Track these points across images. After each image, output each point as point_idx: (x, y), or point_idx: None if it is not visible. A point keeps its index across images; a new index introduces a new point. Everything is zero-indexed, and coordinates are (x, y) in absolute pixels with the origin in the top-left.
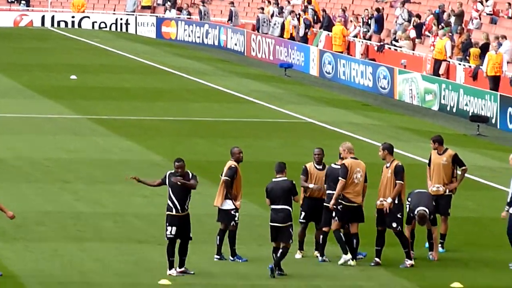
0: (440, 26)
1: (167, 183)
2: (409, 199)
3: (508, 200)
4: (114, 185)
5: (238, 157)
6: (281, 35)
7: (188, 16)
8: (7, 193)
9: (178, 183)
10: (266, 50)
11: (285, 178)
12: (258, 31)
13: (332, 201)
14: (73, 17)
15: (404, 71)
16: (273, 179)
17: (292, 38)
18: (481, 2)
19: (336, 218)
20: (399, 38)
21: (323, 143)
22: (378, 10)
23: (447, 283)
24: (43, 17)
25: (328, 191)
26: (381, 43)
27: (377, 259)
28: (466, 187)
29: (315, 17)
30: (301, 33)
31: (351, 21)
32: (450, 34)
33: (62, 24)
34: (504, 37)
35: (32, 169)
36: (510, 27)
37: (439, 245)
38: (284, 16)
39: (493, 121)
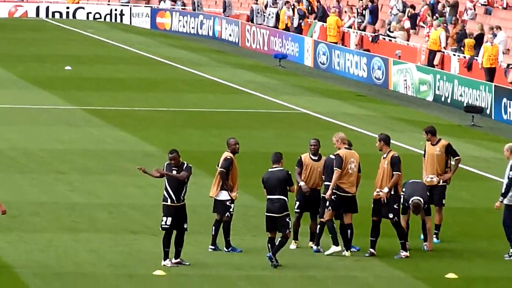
0: (434, 17)
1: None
2: (404, 189)
3: (503, 190)
4: (109, 175)
5: (234, 148)
6: (275, 26)
7: (183, 7)
8: (1, 184)
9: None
10: (260, 40)
11: (281, 168)
12: (252, 22)
13: (329, 192)
14: (67, 8)
15: (399, 62)
16: (269, 169)
17: (287, 28)
18: None
19: (330, 208)
20: (393, 28)
21: (317, 134)
22: (372, 0)
23: (442, 274)
24: (37, 8)
25: (326, 182)
26: (376, 33)
27: (371, 250)
28: (460, 177)
29: (309, 8)
30: (295, 23)
31: (345, 11)
32: (444, 24)
33: (57, 15)
34: (499, 27)
35: (26, 160)
36: (504, 18)
37: (434, 235)
38: (278, 7)
39: (488, 111)
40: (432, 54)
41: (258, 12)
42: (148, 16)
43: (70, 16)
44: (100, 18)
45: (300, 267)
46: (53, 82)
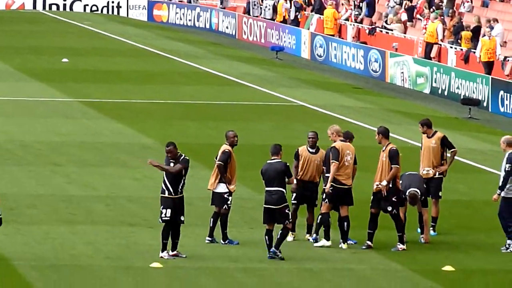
0: (431, 9)
1: None
2: (401, 182)
3: (500, 183)
4: (106, 168)
5: (233, 141)
6: (272, 18)
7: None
8: None
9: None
10: (257, 33)
11: (279, 160)
12: (248, 14)
13: (328, 184)
14: (64, 0)
15: (396, 54)
16: (268, 161)
17: (284, 21)
18: None
19: (327, 200)
20: (390, 21)
21: (314, 126)
22: None
23: (439, 266)
24: (34, 0)
25: (327, 174)
26: (373, 26)
27: (368, 242)
28: (457, 170)
29: (306, 0)
30: (292, 16)
31: (342, 4)
32: (441, 17)
33: (54, 7)
34: (496, 20)
35: (23, 152)
36: (501, 10)
37: (431, 228)
38: None
39: (485, 104)
40: (429, 46)
41: (254, 5)
42: (145, 9)
43: (67, 8)
44: (97, 10)
45: (297, 260)
46: (50, 74)
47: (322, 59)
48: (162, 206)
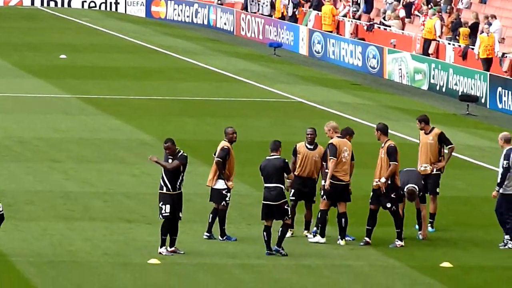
0: (429, 6)
1: None
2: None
3: (499, 180)
4: (104, 164)
5: (232, 137)
6: (270, 14)
7: None
8: None
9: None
10: (255, 29)
11: (278, 156)
12: (246, 10)
13: (327, 182)
14: None
15: (394, 51)
16: (267, 157)
17: (282, 17)
18: None
19: (325, 197)
20: (388, 17)
21: (312, 123)
22: None
23: (437, 263)
24: None
25: (327, 170)
26: (371, 22)
27: (366, 239)
28: (455, 166)
29: None
30: (290, 12)
31: (340, 0)
32: (439, 13)
33: (52, 4)
34: (494, 16)
35: (21, 148)
36: (499, 7)
37: (429, 224)
38: None
39: (483, 100)
40: (427, 43)
41: (252, 1)
42: (143, 5)
43: (65, 5)
44: (95, 6)
45: (295, 256)
46: (48, 70)
47: (320, 55)
48: (161, 203)
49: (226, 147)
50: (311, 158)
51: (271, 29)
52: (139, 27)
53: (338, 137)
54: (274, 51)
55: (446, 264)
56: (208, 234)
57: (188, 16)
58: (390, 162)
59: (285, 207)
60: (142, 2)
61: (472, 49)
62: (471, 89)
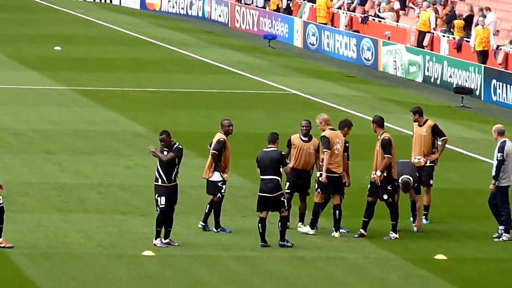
0: None
1: None
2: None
3: (494, 173)
4: (98, 156)
5: (228, 129)
6: (264, 6)
7: None
8: None
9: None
10: (250, 21)
11: (275, 148)
12: (240, 2)
13: (323, 174)
14: None
15: (388, 43)
16: (264, 149)
17: (277, 9)
18: None
19: (319, 190)
20: (383, 9)
21: (307, 115)
22: None
23: (431, 255)
24: None
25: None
26: (365, 14)
27: (362, 231)
28: (449, 158)
29: None
30: (284, 4)
31: None
32: (434, 5)
33: None
34: (488, 9)
35: (16, 140)
36: None
37: (423, 217)
38: None
39: (477, 93)
40: (421, 35)
41: None
42: None
43: None
44: None
45: (289, 248)
46: (42, 62)
47: (315, 47)
48: (157, 194)
49: (222, 139)
50: (306, 150)
51: (265, 21)
52: (133, 19)
53: (330, 129)
54: (268, 43)
55: (440, 256)
56: (203, 224)
57: (182, 8)
58: (384, 155)
59: (282, 199)
60: None
61: (467, 41)
62: (466, 81)
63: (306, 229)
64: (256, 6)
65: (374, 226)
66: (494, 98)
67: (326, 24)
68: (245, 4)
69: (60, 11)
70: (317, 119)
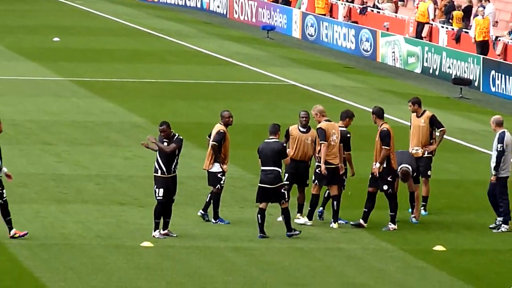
0: None
1: None
2: None
3: (494, 164)
4: (96, 146)
5: (228, 121)
6: None
7: None
8: None
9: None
10: (248, 12)
11: (277, 140)
12: None
13: (322, 166)
14: None
15: (387, 34)
16: (265, 140)
17: (276, 0)
18: None
19: (316, 181)
20: (381, 0)
21: (305, 105)
22: None
23: (430, 246)
24: None
25: (318, 154)
26: (364, 5)
27: (361, 221)
28: (448, 149)
29: None
30: None
31: None
32: None
33: None
34: (487, 0)
35: (14, 131)
36: None
37: (422, 208)
38: None
39: (476, 84)
40: (420, 26)
41: None
42: None
43: None
44: None
45: (287, 239)
46: (41, 53)
47: (313, 38)
48: (156, 186)
49: (222, 130)
50: (304, 141)
51: (264, 12)
52: (132, 10)
53: (326, 120)
54: (267, 34)
55: (439, 248)
56: (203, 212)
57: None
58: (382, 147)
59: (282, 190)
60: None
61: (466, 32)
62: (464, 72)
63: (303, 220)
64: None
65: (373, 217)
66: (493, 89)
67: (324, 15)
68: None
69: (59, 2)
70: (313, 111)
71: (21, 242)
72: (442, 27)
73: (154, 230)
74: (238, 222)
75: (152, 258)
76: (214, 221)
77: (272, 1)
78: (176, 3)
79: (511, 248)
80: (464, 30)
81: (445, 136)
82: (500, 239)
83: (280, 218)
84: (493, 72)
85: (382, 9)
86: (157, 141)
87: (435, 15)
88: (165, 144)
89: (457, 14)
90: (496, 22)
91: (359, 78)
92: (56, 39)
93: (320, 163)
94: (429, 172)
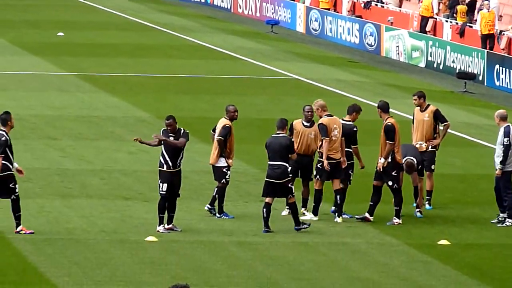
0: None
1: None
2: None
3: (501, 158)
4: (101, 141)
5: (233, 115)
6: None
7: None
8: None
9: (159, 139)
10: (252, 6)
11: (285, 135)
12: None
13: (325, 162)
14: None
15: (391, 28)
16: (273, 135)
17: None
18: None
19: (318, 176)
20: None
21: (309, 100)
22: None
23: (434, 240)
24: None
25: (319, 150)
26: (368, 0)
27: (367, 214)
28: (452, 144)
29: None
30: None
31: None
32: None
33: None
34: None
35: (18, 126)
36: None
37: (426, 202)
38: None
39: (480, 78)
40: (424, 20)
41: None
42: None
43: None
44: None
45: (292, 233)
46: (45, 48)
47: (317, 33)
48: (160, 180)
49: (227, 125)
50: (307, 136)
51: (268, 7)
52: (136, 5)
53: (327, 115)
54: (271, 28)
55: (443, 242)
56: (209, 206)
57: None
58: (387, 141)
59: (289, 185)
60: None
61: (470, 26)
62: (469, 66)
63: (308, 216)
64: None
65: (377, 211)
66: (497, 83)
67: (328, 9)
68: None
69: None
70: (314, 105)
71: (25, 237)
72: (446, 21)
73: (159, 225)
74: (242, 217)
75: (157, 253)
76: (218, 216)
77: None
78: None
79: None
80: (468, 24)
81: (449, 130)
82: (504, 234)
83: (284, 212)
84: (497, 66)
85: (386, 3)
86: (165, 137)
87: (439, 9)
88: (171, 138)
89: (461, 8)
90: (501, 16)
91: (363, 72)
92: (60, 34)
93: (320, 158)
94: (433, 166)
